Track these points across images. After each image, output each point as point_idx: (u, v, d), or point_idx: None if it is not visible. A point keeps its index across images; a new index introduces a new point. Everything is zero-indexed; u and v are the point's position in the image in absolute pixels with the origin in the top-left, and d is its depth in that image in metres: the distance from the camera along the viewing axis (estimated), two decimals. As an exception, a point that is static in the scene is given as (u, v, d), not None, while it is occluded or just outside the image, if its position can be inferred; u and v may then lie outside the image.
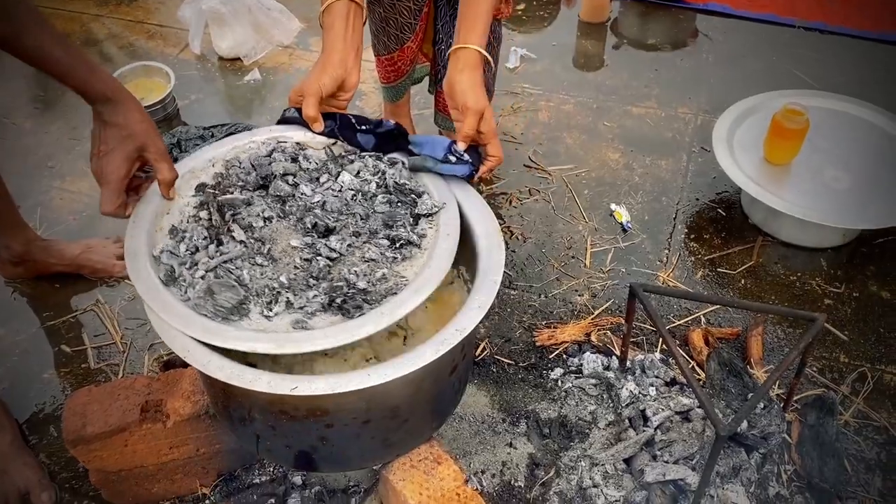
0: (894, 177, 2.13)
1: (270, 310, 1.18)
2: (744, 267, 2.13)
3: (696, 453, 1.60)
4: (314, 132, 1.42)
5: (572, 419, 1.70)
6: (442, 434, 1.65)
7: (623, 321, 1.91)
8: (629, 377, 1.77)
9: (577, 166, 2.44)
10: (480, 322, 1.23)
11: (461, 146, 1.42)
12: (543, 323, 1.96)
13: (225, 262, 1.22)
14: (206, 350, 1.17)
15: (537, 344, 1.90)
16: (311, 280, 1.20)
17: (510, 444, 1.69)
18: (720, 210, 2.29)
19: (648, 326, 1.94)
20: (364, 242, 1.26)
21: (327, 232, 1.28)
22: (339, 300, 1.17)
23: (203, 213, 1.30)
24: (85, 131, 2.66)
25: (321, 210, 1.31)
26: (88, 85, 1.26)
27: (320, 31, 1.49)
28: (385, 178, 1.37)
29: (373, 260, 1.24)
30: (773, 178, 2.14)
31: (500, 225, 2.22)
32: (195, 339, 1.15)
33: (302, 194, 1.33)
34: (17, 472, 1.62)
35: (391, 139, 1.44)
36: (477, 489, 1.60)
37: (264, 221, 1.28)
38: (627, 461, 1.61)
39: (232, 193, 1.32)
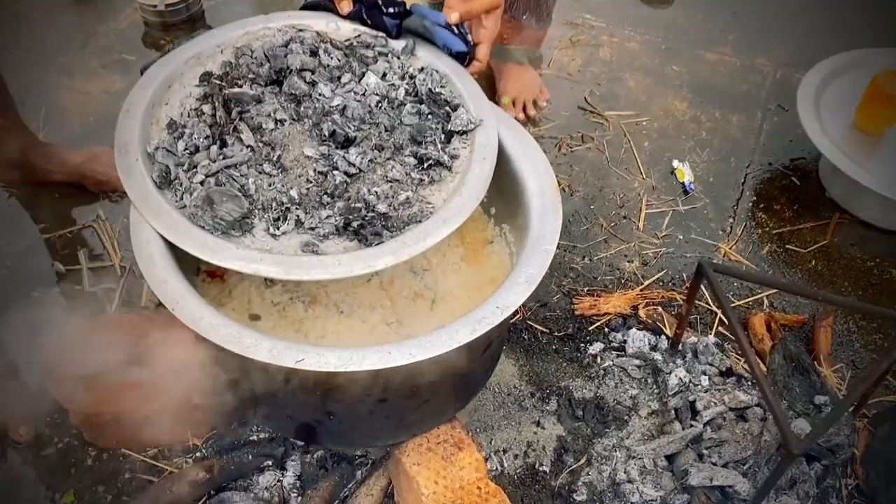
0: None
1: (277, 228, 1.05)
2: (815, 246, 1.91)
3: (749, 458, 1.42)
4: (341, 14, 1.29)
5: (610, 402, 1.53)
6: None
7: (676, 296, 1.70)
8: (679, 362, 1.58)
9: (638, 114, 2.23)
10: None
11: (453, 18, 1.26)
12: (585, 289, 1.77)
13: (228, 167, 1.09)
14: (200, 302, 0.98)
15: (576, 313, 1.71)
16: (324, 197, 1.08)
17: (538, 423, 1.52)
18: (794, 178, 2.08)
19: (704, 304, 1.74)
20: (387, 159, 1.13)
21: (346, 142, 1.13)
22: (355, 224, 1.05)
23: (206, 108, 1.16)
24: (105, 23, 2.44)
25: (340, 116, 1.16)
26: None
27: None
28: (415, 84, 1.22)
29: (396, 180, 1.11)
30: (861, 148, 1.89)
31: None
32: (186, 290, 0.97)
33: (320, 95, 1.18)
34: None
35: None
36: (496, 470, 1.44)
37: (276, 123, 1.14)
38: (669, 458, 1.45)
39: (241, 87, 1.17)
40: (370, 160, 1.12)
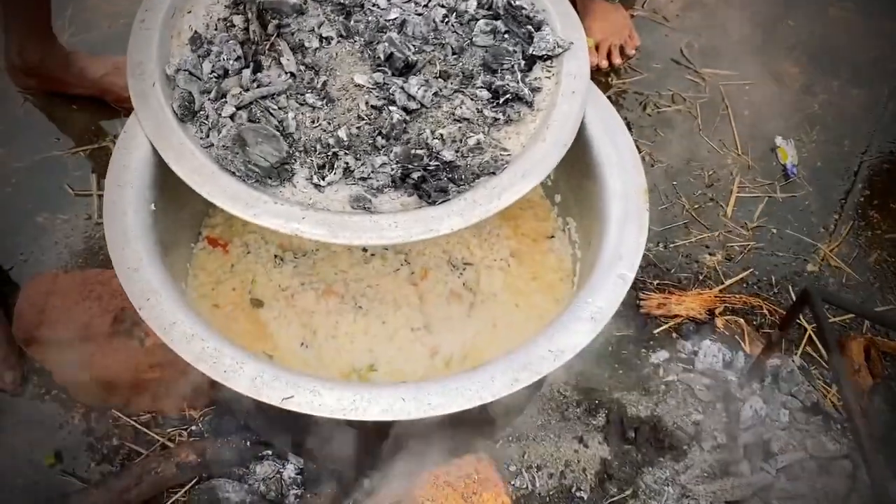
0: None
1: (323, 177, 0.90)
2: (938, 260, 1.64)
3: None
4: None
5: (668, 426, 1.34)
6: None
7: (762, 305, 1.45)
8: (756, 387, 1.36)
9: (741, 75, 1.95)
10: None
11: None
12: (655, 283, 1.55)
13: (264, 97, 0.91)
14: (176, 302, 0.78)
15: (642, 311, 1.50)
16: (378, 139, 0.91)
17: (580, 440, 1.34)
18: (919, 172, 1.78)
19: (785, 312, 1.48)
20: (455, 91, 0.96)
21: (405, 69, 0.96)
22: (415, 175, 0.89)
23: (237, 19, 0.99)
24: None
25: (398, 33, 0.98)
26: None
27: None
28: None
29: (465, 119, 0.94)
30: None
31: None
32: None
33: (374, 6, 1.01)
34: None
35: None
36: (525, 489, 1.27)
37: (320, 41, 0.97)
38: None
39: None
40: (435, 93, 0.94)
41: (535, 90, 0.99)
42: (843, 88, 1.96)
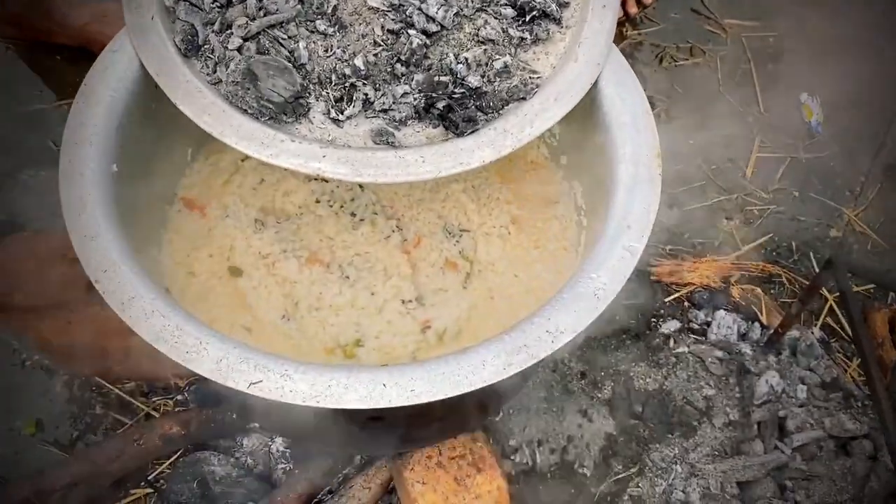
0: None
1: (341, 111, 0.84)
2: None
3: (845, 503, 1.14)
4: None
5: (678, 400, 1.29)
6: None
7: (781, 274, 1.38)
8: (772, 360, 1.29)
9: (765, 25, 1.86)
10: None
11: None
12: (667, 248, 1.48)
13: (272, 25, 0.84)
14: (137, 275, 0.71)
15: (652, 278, 1.44)
16: (398, 66, 0.85)
17: (584, 414, 1.29)
18: (955, 132, 1.68)
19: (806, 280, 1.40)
20: (477, 10, 0.88)
21: None
22: (440, 105, 0.84)
23: None
24: None
25: None
26: None
27: None
28: None
29: (490, 41, 0.87)
30: None
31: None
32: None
33: None
34: None
35: None
36: (526, 464, 1.23)
37: None
38: (742, 485, 1.21)
39: None
40: (455, 13, 0.87)
41: (562, 5, 0.92)
42: (876, 42, 1.83)
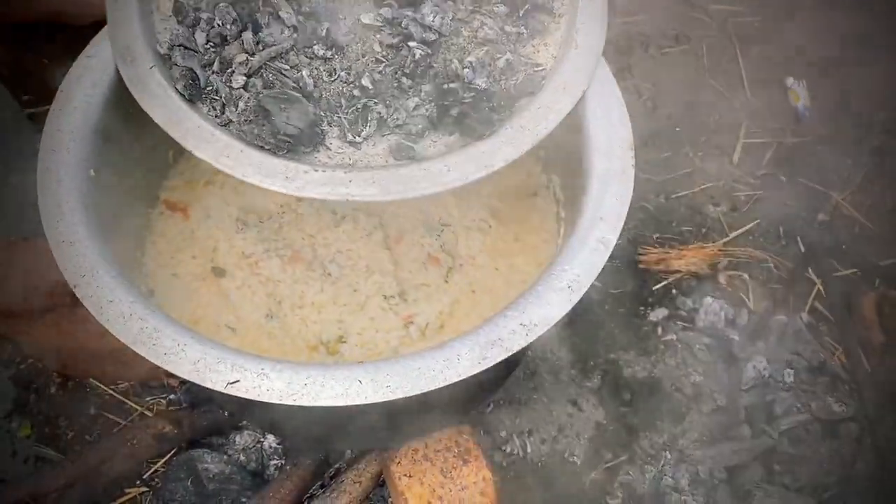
0: None
1: (357, 133, 0.84)
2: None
3: (833, 486, 1.16)
4: None
5: (667, 387, 1.30)
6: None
7: (769, 259, 1.39)
8: (760, 346, 1.29)
9: (750, 10, 1.84)
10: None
11: None
12: (655, 236, 1.48)
13: (272, 57, 0.85)
14: (113, 277, 0.72)
15: (640, 265, 1.43)
16: (404, 80, 0.86)
17: (574, 403, 1.30)
18: (944, 112, 1.69)
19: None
20: (471, 12, 0.90)
21: None
22: (454, 111, 0.85)
23: None
24: None
25: None
26: None
27: None
28: None
29: (490, 41, 0.89)
30: None
31: (626, 80, 1.65)
32: None
33: None
34: None
35: None
36: (516, 453, 1.24)
37: None
38: (731, 469, 1.22)
39: None
40: (451, 18, 0.89)
41: None
42: (863, 25, 1.80)
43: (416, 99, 0.86)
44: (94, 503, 1.17)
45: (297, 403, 0.68)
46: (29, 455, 1.25)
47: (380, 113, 0.85)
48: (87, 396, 1.29)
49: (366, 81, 0.85)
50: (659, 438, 1.24)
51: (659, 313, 1.37)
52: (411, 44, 0.86)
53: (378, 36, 0.86)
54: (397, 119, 0.85)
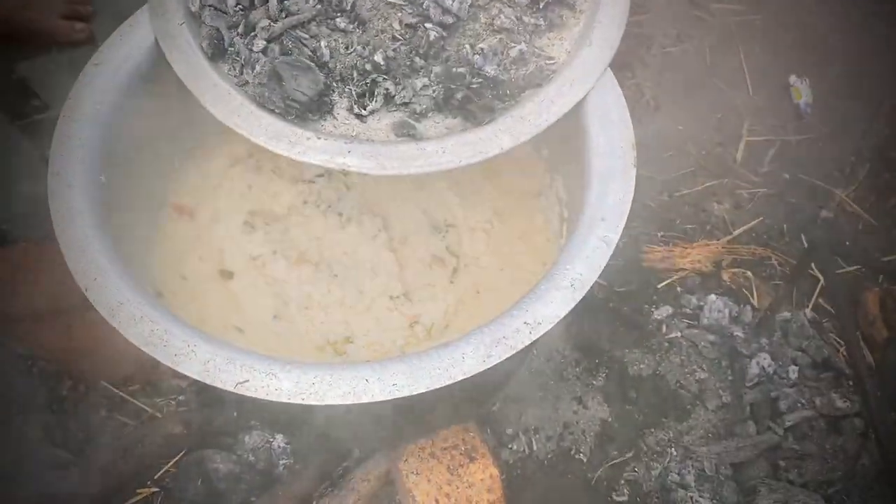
0: None
1: (364, 106, 0.87)
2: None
3: (837, 481, 1.16)
4: None
5: (671, 384, 1.29)
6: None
7: (772, 256, 1.39)
8: (763, 342, 1.29)
9: (753, 9, 1.82)
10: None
11: None
12: (659, 234, 1.48)
13: (294, 26, 0.88)
14: (123, 279, 0.73)
15: (644, 264, 1.43)
16: (416, 60, 0.88)
17: (579, 400, 1.30)
18: (947, 109, 1.67)
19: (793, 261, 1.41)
20: (490, 0, 0.90)
21: None
22: (458, 95, 0.86)
23: None
24: None
25: None
26: None
27: None
28: None
29: (506, 29, 0.90)
30: None
31: (628, 80, 1.65)
32: None
33: None
34: None
35: None
36: (523, 452, 1.25)
37: None
38: (736, 465, 1.21)
39: None
40: (470, 3, 0.90)
41: None
42: (864, 21, 1.81)
43: (425, 79, 0.88)
44: (106, 504, 1.19)
45: (305, 402, 0.69)
46: (41, 457, 1.26)
47: (387, 89, 0.87)
48: (98, 398, 1.30)
49: (379, 57, 0.87)
50: (664, 435, 1.24)
51: (663, 311, 1.37)
52: (428, 25, 0.88)
53: (399, 14, 0.88)
54: (404, 97, 0.87)
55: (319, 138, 0.83)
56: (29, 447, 1.25)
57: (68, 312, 1.14)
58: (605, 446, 1.25)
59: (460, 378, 0.70)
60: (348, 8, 0.88)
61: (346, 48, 0.88)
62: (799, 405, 1.22)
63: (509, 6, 0.91)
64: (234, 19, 0.90)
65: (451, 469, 0.98)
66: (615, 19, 0.90)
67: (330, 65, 0.87)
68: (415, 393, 0.69)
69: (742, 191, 1.54)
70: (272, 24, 0.88)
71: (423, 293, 0.97)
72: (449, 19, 0.88)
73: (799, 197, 1.54)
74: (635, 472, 1.22)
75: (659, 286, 1.41)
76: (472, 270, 0.99)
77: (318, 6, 0.89)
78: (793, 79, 1.69)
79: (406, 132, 0.85)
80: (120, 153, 0.87)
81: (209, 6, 0.90)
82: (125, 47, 0.90)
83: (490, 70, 0.87)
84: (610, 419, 1.27)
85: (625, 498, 1.20)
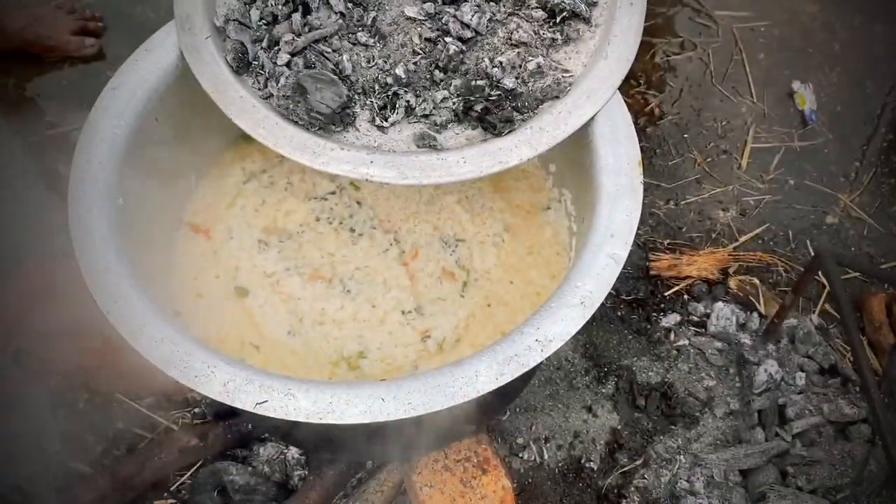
0: None
1: (385, 118, 0.88)
2: (967, 207, 1.55)
3: (846, 487, 1.17)
4: None
5: (680, 392, 1.30)
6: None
7: (778, 263, 1.40)
8: (771, 349, 1.30)
9: (756, 16, 1.85)
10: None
11: None
12: (666, 242, 1.49)
13: (317, 41, 0.90)
14: (144, 302, 0.75)
15: (651, 272, 1.45)
16: (436, 73, 0.89)
17: (589, 409, 1.30)
18: (949, 114, 1.67)
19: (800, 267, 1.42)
20: (509, 14, 0.92)
21: None
22: (478, 107, 0.88)
23: None
24: None
25: None
26: None
27: None
28: None
29: (523, 43, 0.91)
30: None
31: (631, 89, 1.66)
32: None
33: None
34: None
35: None
36: (533, 461, 1.26)
37: None
38: (745, 472, 1.23)
39: None
40: (489, 18, 0.91)
41: (591, 5, 0.95)
42: (865, 25, 1.83)
43: (445, 92, 0.89)
44: (124, 516, 1.20)
45: (323, 422, 0.70)
46: (59, 470, 1.28)
47: (408, 101, 0.88)
48: (114, 412, 1.31)
49: (400, 71, 0.88)
50: (673, 443, 1.25)
51: (671, 319, 1.38)
52: (448, 39, 0.89)
53: (419, 29, 0.90)
54: (425, 109, 0.89)
55: (342, 149, 0.84)
56: (47, 460, 1.26)
57: (81, 332, 1.16)
58: (614, 454, 1.26)
59: (473, 396, 0.72)
60: (369, 23, 0.90)
61: (368, 62, 0.90)
62: (807, 412, 1.23)
63: (527, 21, 0.93)
64: (258, 34, 0.92)
65: (464, 481, 0.99)
66: (630, 33, 0.91)
67: (352, 78, 0.89)
68: (431, 411, 0.71)
69: (748, 198, 1.55)
70: (295, 38, 0.89)
71: (434, 307, 0.98)
72: (468, 34, 0.89)
73: (804, 203, 1.55)
74: (645, 479, 1.23)
75: (666, 294, 1.42)
76: (482, 284, 1.00)
77: (340, 21, 0.90)
78: (797, 85, 1.70)
79: (427, 143, 0.87)
80: (137, 176, 0.88)
81: (234, 21, 0.92)
82: (141, 71, 0.91)
83: (509, 83, 0.88)
84: (619, 427, 1.28)
85: (635, 505, 1.22)
